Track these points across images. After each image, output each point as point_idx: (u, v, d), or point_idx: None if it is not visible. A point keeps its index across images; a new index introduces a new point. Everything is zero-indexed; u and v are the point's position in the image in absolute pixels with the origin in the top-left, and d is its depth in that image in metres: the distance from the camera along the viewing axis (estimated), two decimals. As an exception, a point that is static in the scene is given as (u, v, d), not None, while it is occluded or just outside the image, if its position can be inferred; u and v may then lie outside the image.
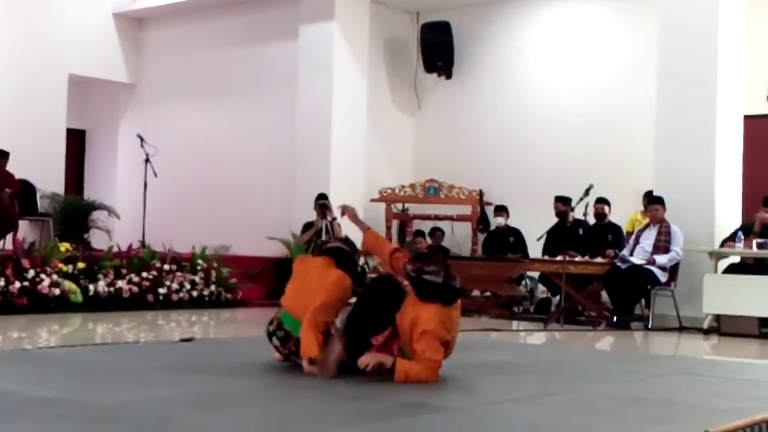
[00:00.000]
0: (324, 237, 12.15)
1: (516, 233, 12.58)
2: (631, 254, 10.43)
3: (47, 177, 13.80)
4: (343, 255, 5.75)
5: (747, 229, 10.07)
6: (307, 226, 12.73)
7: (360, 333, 5.41)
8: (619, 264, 10.34)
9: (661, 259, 10.25)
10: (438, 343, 5.30)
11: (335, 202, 12.28)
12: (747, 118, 11.25)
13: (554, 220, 11.75)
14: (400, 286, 5.51)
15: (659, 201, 10.50)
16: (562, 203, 11.74)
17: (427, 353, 5.25)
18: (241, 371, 5.70)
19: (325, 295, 5.49)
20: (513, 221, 12.68)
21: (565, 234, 11.44)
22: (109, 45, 15.93)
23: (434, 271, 5.31)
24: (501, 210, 12.71)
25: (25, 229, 13.01)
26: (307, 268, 5.79)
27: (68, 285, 10.12)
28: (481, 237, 13.30)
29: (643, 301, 10.60)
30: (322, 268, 5.69)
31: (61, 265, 10.21)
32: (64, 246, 10.59)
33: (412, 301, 5.35)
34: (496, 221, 12.78)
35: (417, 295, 5.33)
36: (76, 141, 16.31)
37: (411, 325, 5.26)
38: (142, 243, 12.43)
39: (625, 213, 12.23)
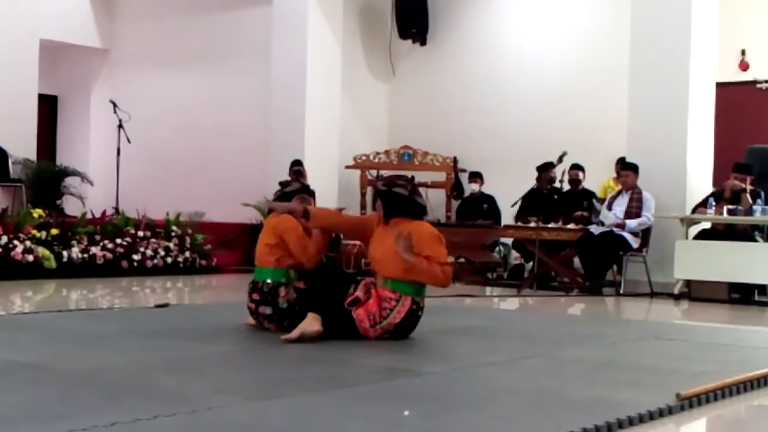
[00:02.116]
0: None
1: (490, 200, 12.61)
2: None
3: (19, 143, 13.62)
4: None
5: (718, 196, 10.15)
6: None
7: (329, 305, 5.47)
8: (592, 230, 10.42)
9: (631, 223, 10.33)
10: (445, 248, 5.58)
11: (310, 169, 12.31)
12: (719, 85, 11.32)
13: (527, 187, 11.74)
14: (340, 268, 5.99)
15: (631, 167, 10.55)
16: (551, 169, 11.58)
17: (441, 258, 5.51)
18: (215, 336, 5.72)
19: (276, 238, 5.93)
20: (487, 188, 12.71)
21: (540, 200, 11.48)
22: (81, 10, 15.75)
23: (402, 185, 5.69)
24: (476, 176, 12.72)
25: (-4, 196, 12.92)
26: (264, 228, 6.22)
27: (42, 251, 10.07)
28: (456, 204, 13.33)
29: (615, 267, 10.66)
30: (270, 221, 6.13)
31: (34, 232, 10.16)
32: (37, 212, 10.53)
33: (383, 231, 5.60)
34: (470, 187, 12.80)
35: (384, 212, 5.64)
36: (48, 107, 16.15)
37: (408, 238, 5.41)
38: (116, 209, 12.39)
39: (598, 180, 12.29)
